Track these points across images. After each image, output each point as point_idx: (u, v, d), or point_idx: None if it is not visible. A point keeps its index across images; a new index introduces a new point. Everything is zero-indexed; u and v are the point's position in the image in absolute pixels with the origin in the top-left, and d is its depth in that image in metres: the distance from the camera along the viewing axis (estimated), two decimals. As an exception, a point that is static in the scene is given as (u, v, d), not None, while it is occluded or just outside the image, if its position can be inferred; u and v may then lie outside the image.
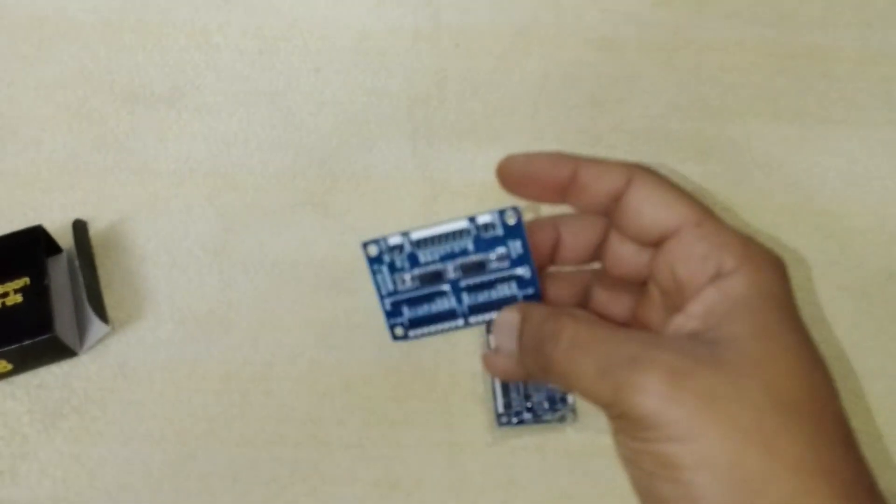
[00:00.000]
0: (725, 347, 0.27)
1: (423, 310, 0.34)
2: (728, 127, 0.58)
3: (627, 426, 0.27)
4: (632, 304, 0.34)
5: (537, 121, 0.58)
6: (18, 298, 0.49)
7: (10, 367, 0.49)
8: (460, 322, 0.34)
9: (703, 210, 0.30)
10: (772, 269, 0.29)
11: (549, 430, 0.49)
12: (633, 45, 0.61)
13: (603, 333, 0.29)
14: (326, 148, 0.57)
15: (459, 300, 0.33)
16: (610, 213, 0.32)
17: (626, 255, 0.33)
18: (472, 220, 0.32)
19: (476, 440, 0.49)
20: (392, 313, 0.34)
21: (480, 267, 0.33)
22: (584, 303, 0.35)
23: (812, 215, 0.56)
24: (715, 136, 0.58)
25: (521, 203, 0.33)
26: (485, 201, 0.54)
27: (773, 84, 0.60)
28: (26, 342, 0.47)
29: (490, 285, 0.33)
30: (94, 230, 0.54)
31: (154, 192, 0.55)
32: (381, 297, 0.34)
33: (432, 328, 0.34)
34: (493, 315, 0.34)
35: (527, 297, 0.33)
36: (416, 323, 0.34)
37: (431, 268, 0.33)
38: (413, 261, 0.33)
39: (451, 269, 0.33)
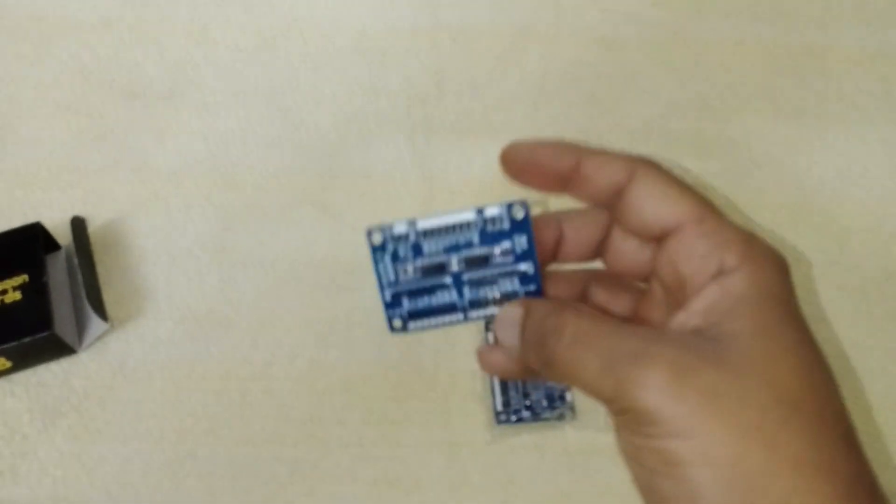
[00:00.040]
0: (728, 344, 0.27)
1: (424, 302, 0.33)
2: (727, 125, 0.58)
3: (629, 422, 0.27)
4: (630, 303, 0.34)
5: (536, 119, 0.58)
6: (17, 296, 0.49)
7: (9, 364, 0.49)
8: (460, 316, 0.34)
9: (706, 206, 0.30)
10: (774, 267, 0.29)
11: (548, 428, 0.49)
12: (632, 44, 0.61)
13: (606, 328, 0.29)
14: (325, 146, 0.57)
15: (461, 294, 0.33)
16: (612, 207, 0.32)
17: (627, 251, 0.33)
18: (479, 211, 0.32)
19: (475, 439, 0.49)
20: (391, 304, 0.33)
21: (484, 261, 0.33)
22: (582, 302, 0.35)
23: (811, 214, 0.56)
24: (714, 135, 0.58)
25: (529, 197, 0.33)
26: (483, 199, 0.54)
27: (773, 83, 0.60)
28: (25, 340, 0.47)
29: (492, 280, 0.33)
30: (92, 227, 0.54)
31: (153, 190, 0.55)
32: (382, 288, 0.33)
33: (431, 321, 0.34)
34: (492, 311, 0.33)
35: (528, 294, 0.33)
36: (415, 315, 0.33)
37: (435, 259, 0.32)
38: (417, 251, 0.32)
39: (454, 262, 0.33)
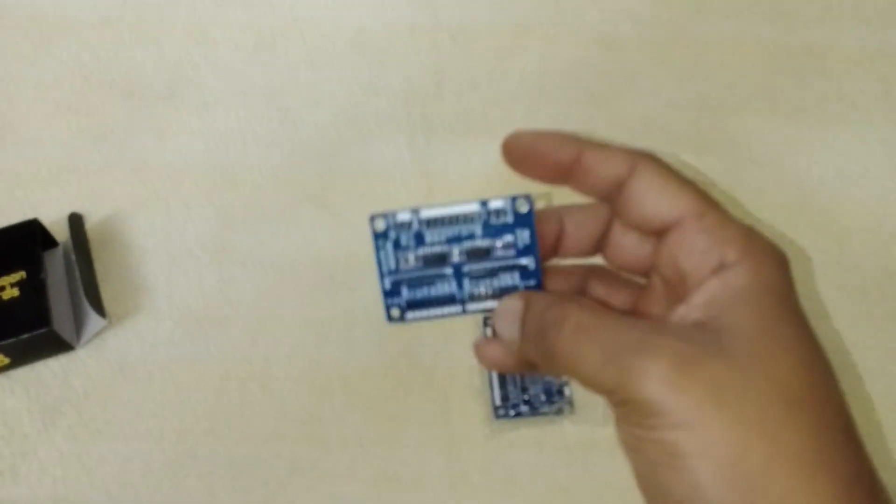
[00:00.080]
0: (729, 337, 0.26)
1: (423, 292, 0.33)
2: (727, 125, 0.58)
3: (631, 413, 0.27)
4: (629, 298, 0.34)
5: (536, 118, 0.58)
6: (15, 292, 0.49)
7: (7, 360, 0.49)
8: (458, 308, 0.33)
9: (706, 201, 0.30)
10: (774, 263, 0.29)
11: (546, 422, 0.49)
12: (631, 43, 0.61)
13: (608, 320, 0.29)
14: (324, 145, 0.57)
15: (460, 286, 0.33)
16: (612, 201, 0.32)
17: (628, 246, 0.33)
18: (483, 203, 0.32)
19: (474, 434, 0.49)
20: (391, 293, 0.33)
21: (485, 253, 0.33)
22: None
23: (810, 213, 0.56)
24: (714, 134, 0.58)
25: (533, 192, 0.33)
26: (482, 197, 0.54)
27: (772, 82, 0.60)
28: (23, 336, 0.47)
29: (493, 273, 0.33)
30: (91, 227, 0.54)
31: (152, 188, 0.55)
32: (382, 275, 0.33)
33: (430, 312, 0.33)
34: (490, 304, 0.33)
35: (528, 289, 0.33)
36: (413, 305, 0.33)
37: (436, 249, 0.33)
38: (419, 240, 0.32)
39: (455, 253, 0.33)
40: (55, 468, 0.48)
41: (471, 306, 0.33)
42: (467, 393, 0.50)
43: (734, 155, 0.58)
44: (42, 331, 0.47)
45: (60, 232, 0.53)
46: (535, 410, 0.49)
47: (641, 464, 0.27)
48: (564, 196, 0.33)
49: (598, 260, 0.35)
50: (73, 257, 0.51)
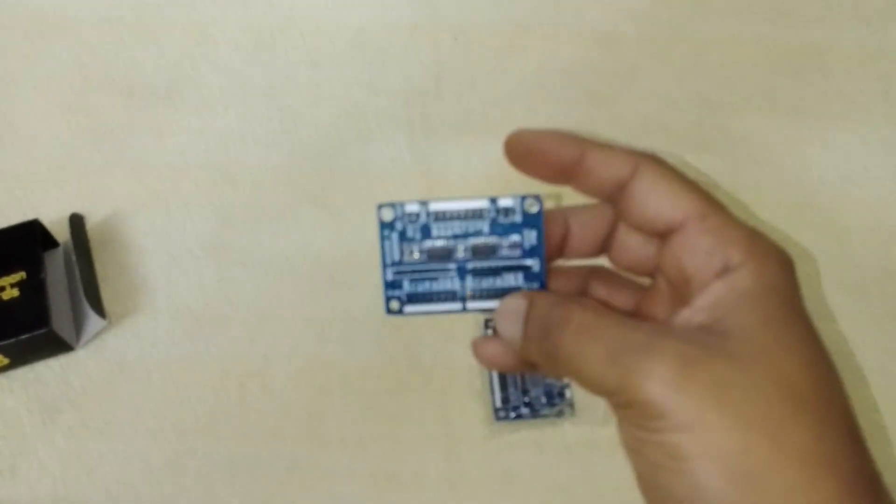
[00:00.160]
0: (733, 338, 0.26)
1: (424, 287, 0.33)
2: (726, 124, 0.58)
3: (633, 415, 0.27)
4: (631, 300, 0.34)
5: (535, 117, 0.58)
6: (15, 293, 0.49)
7: (6, 361, 0.49)
8: (458, 306, 0.33)
9: (709, 202, 0.30)
10: (778, 264, 0.28)
11: (547, 424, 0.49)
12: (631, 41, 0.61)
13: (611, 321, 0.28)
14: (324, 143, 0.57)
15: (463, 282, 0.33)
16: (615, 201, 0.32)
17: (632, 247, 0.33)
18: (492, 200, 0.32)
19: (473, 434, 0.49)
20: (392, 284, 0.33)
21: (491, 251, 0.33)
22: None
23: (810, 212, 0.56)
24: (713, 133, 0.58)
25: (542, 192, 0.33)
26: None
27: (772, 81, 0.60)
28: (23, 336, 0.47)
29: (496, 272, 0.33)
30: (91, 226, 0.54)
31: (151, 187, 0.55)
32: (385, 266, 0.33)
33: (429, 307, 0.33)
34: (492, 303, 0.33)
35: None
36: (413, 299, 0.33)
37: (442, 244, 0.32)
38: (425, 233, 0.32)
39: (461, 249, 0.33)
40: (55, 467, 0.48)
41: (472, 304, 0.33)
42: (467, 393, 0.50)
43: (734, 154, 0.57)
44: (42, 331, 0.47)
45: (61, 232, 0.53)
46: (535, 412, 0.49)
47: (643, 466, 0.27)
48: (572, 196, 0.33)
49: (598, 261, 0.35)
50: (74, 258, 0.51)
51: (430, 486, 0.48)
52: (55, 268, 0.52)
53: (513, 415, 0.49)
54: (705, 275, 0.29)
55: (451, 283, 0.33)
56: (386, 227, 0.32)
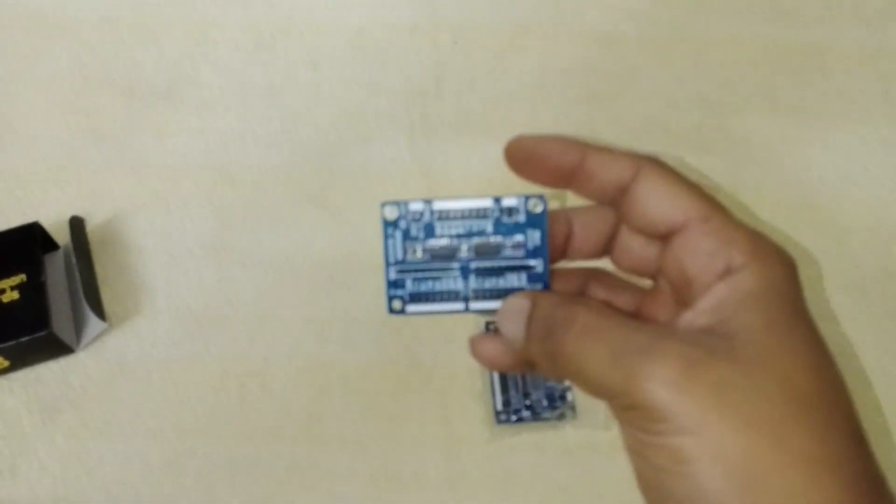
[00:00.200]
0: (738, 340, 0.26)
1: (427, 286, 0.33)
2: (726, 124, 0.58)
3: (637, 417, 0.26)
4: (631, 302, 0.33)
5: (535, 117, 0.58)
6: (15, 295, 0.49)
7: (6, 363, 0.49)
8: (460, 306, 0.33)
9: (711, 204, 0.30)
10: (781, 266, 0.28)
11: (548, 427, 0.49)
12: (631, 41, 0.61)
13: (615, 322, 0.28)
14: (324, 143, 0.57)
15: (465, 282, 0.33)
16: (617, 205, 0.32)
17: (636, 248, 0.32)
18: (496, 200, 0.32)
19: (474, 436, 0.49)
20: (394, 284, 0.33)
21: (494, 251, 0.32)
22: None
23: (810, 212, 0.56)
24: (713, 133, 0.58)
25: (546, 192, 0.33)
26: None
27: (772, 81, 0.60)
28: (23, 339, 0.47)
29: (499, 272, 0.33)
30: (91, 226, 0.54)
31: (151, 188, 0.55)
32: (388, 265, 0.33)
33: (431, 307, 0.33)
34: (493, 304, 0.33)
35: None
36: (416, 298, 0.33)
37: (445, 243, 0.32)
38: (429, 232, 0.32)
39: (464, 248, 0.32)
40: (55, 467, 0.48)
41: (474, 305, 0.33)
42: (467, 394, 0.50)
43: (734, 154, 0.57)
44: (42, 333, 0.47)
45: (61, 234, 0.53)
46: (537, 416, 0.49)
47: (645, 468, 0.27)
48: (576, 197, 0.33)
49: (597, 263, 0.34)
50: (74, 260, 0.51)
51: (430, 487, 0.48)
52: (55, 270, 0.52)
53: (514, 418, 0.49)
54: (707, 276, 0.28)
55: (454, 282, 0.33)
56: (389, 225, 0.32)
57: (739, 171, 0.57)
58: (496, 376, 0.49)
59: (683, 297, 0.30)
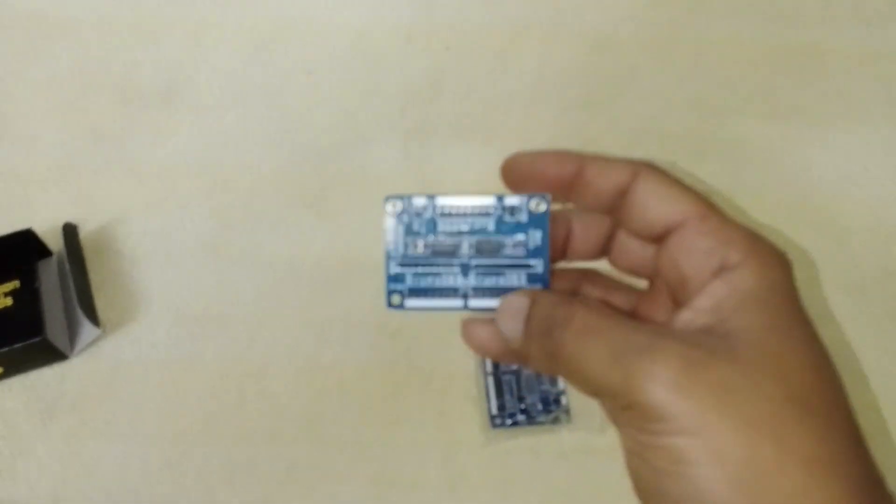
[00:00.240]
0: (737, 340, 0.26)
1: (427, 282, 0.33)
2: (726, 125, 0.58)
3: (635, 418, 0.26)
4: (623, 303, 0.33)
5: (533, 120, 0.58)
6: (8, 302, 0.49)
7: (0, 370, 0.48)
8: (459, 303, 0.33)
9: (708, 204, 0.29)
10: (778, 265, 0.28)
11: (543, 431, 0.49)
12: (629, 44, 0.61)
13: (615, 321, 0.28)
14: (320, 147, 0.57)
15: (465, 279, 0.33)
16: (615, 211, 0.32)
17: (633, 248, 0.32)
18: (499, 198, 0.32)
19: (470, 440, 0.49)
20: (394, 278, 0.33)
21: (495, 250, 0.32)
22: None
23: (809, 213, 0.55)
24: (712, 134, 0.58)
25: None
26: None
27: (772, 82, 0.60)
28: (17, 346, 0.47)
29: (499, 271, 0.32)
30: (85, 232, 0.54)
31: (148, 190, 0.55)
32: (388, 259, 0.33)
33: (430, 303, 0.33)
34: (492, 302, 0.33)
35: None
36: (415, 293, 0.33)
37: (447, 239, 0.32)
38: (431, 228, 0.32)
39: (465, 246, 0.32)
40: (55, 467, 0.48)
41: (473, 302, 0.33)
42: (464, 397, 0.50)
43: (734, 154, 0.57)
44: (35, 340, 0.47)
45: (55, 241, 0.52)
46: (531, 419, 0.48)
47: (644, 470, 0.27)
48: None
49: (591, 265, 0.34)
50: (68, 267, 0.51)
51: (427, 490, 0.48)
52: (49, 277, 0.52)
53: (509, 422, 0.48)
54: (703, 274, 0.28)
55: (453, 279, 0.33)
56: (392, 219, 0.32)
57: (739, 171, 0.56)
58: (491, 380, 0.49)
59: (679, 296, 0.30)
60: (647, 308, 0.32)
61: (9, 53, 0.60)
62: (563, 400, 0.49)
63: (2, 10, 0.61)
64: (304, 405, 0.50)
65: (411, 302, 0.33)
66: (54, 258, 0.53)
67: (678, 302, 0.30)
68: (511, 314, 0.31)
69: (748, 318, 0.27)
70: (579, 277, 0.34)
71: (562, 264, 0.34)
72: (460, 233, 0.32)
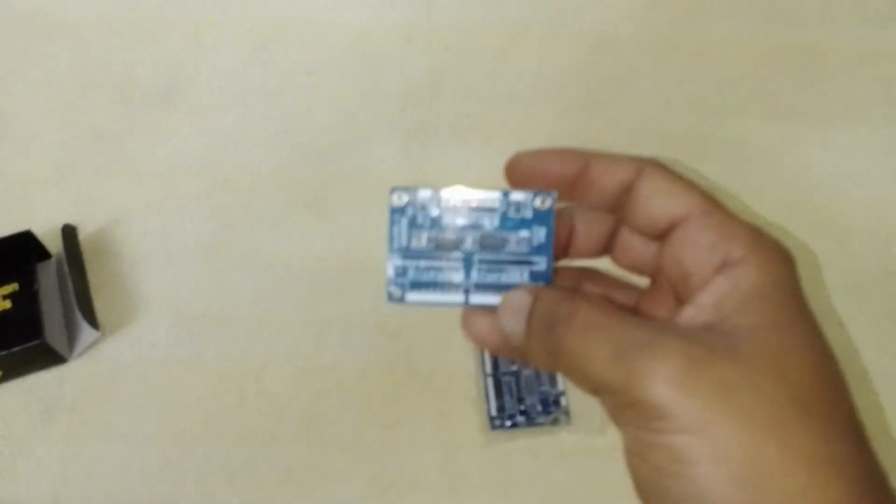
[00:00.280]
0: (740, 338, 0.26)
1: (429, 276, 0.32)
2: (725, 125, 0.58)
3: (637, 416, 0.26)
4: (624, 300, 0.33)
5: (533, 121, 0.58)
6: (7, 304, 0.49)
7: (-1, 373, 0.49)
8: (460, 298, 0.33)
9: (712, 200, 0.29)
10: (781, 261, 0.28)
11: (543, 432, 0.49)
12: (629, 44, 0.61)
13: (617, 318, 0.28)
14: (320, 147, 0.57)
15: (468, 275, 0.32)
16: (618, 209, 0.32)
17: (636, 246, 0.32)
18: (505, 194, 0.32)
19: (470, 441, 0.49)
20: (396, 271, 0.32)
21: (499, 245, 0.32)
22: None
23: (809, 213, 0.55)
24: (712, 135, 0.58)
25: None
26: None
27: (771, 82, 0.60)
28: (16, 348, 0.47)
29: (502, 267, 0.32)
30: (84, 233, 0.54)
31: (148, 191, 0.55)
32: (391, 251, 0.32)
33: (431, 297, 0.33)
34: (493, 298, 0.32)
35: None
36: (416, 286, 0.33)
37: (451, 233, 0.32)
38: (435, 221, 0.32)
39: (469, 240, 0.32)
40: (55, 467, 0.48)
41: (474, 298, 0.33)
42: (464, 398, 0.50)
43: (734, 154, 0.57)
44: (34, 343, 0.47)
45: (53, 243, 0.52)
46: (531, 421, 0.48)
47: (645, 470, 0.26)
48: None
49: (592, 263, 0.34)
50: (67, 269, 0.51)
51: (427, 490, 0.48)
52: (48, 279, 0.52)
53: (508, 423, 0.48)
54: (705, 270, 0.28)
55: (455, 274, 0.32)
56: (397, 211, 0.32)
57: (739, 171, 0.56)
58: (490, 381, 0.49)
59: (681, 293, 0.30)
60: (648, 306, 0.32)
61: (9, 53, 0.60)
62: (563, 401, 0.49)
63: (2, 10, 0.61)
64: (303, 405, 0.50)
65: (412, 296, 0.33)
66: (53, 260, 0.53)
67: (680, 298, 0.30)
68: (513, 311, 0.31)
69: (750, 315, 0.27)
70: (580, 276, 0.34)
71: (563, 262, 0.34)
72: (464, 227, 0.32)
